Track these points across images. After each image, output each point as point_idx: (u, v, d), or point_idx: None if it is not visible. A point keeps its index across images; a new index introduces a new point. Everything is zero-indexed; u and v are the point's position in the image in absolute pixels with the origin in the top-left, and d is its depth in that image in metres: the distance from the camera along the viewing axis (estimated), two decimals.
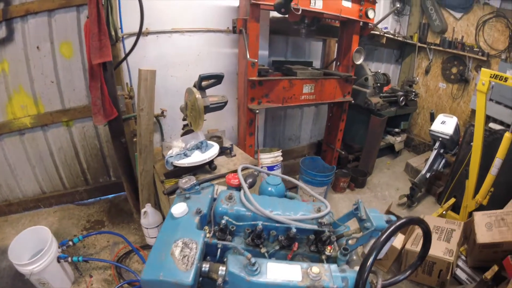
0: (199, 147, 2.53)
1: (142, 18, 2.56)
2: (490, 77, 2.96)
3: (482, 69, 3.07)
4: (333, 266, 1.25)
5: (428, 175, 4.31)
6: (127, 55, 2.84)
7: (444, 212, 4.01)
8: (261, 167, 3.67)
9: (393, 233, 1.20)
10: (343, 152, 4.56)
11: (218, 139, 2.90)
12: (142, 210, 2.81)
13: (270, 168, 3.78)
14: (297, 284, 1.13)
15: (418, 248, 2.92)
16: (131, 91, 3.12)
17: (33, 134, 3.16)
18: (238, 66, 3.55)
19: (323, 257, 1.39)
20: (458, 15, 5.31)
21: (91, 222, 3.38)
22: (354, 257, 1.44)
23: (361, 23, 3.70)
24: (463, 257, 3.11)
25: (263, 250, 1.35)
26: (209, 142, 2.66)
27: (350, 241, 1.43)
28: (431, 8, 5.50)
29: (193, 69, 3.46)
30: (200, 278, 1.17)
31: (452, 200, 4.14)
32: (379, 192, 4.76)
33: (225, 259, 1.20)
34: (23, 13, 2.71)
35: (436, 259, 2.81)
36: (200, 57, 3.52)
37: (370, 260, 1.15)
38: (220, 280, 1.12)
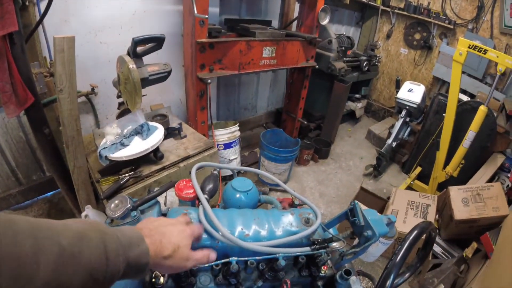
0: (139, 131, 2.01)
1: None
2: (469, 47, 2.92)
3: (460, 38, 3.01)
4: None
5: (394, 144, 4.32)
6: (40, 20, 2.13)
7: (411, 182, 4.07)
8: (217, 146, 3.24)
9: (407, 255, 0.97)
10: (305, 122, 4.30)
11: (163, 119, 2.37)
12: (83, 214, 2.29)
13: (227, 145, 3.35)
14: None
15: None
16: (52, 66, 2.45)
17: None
18: (184, 26, 2.90)
19: (319, 282, 1.05)
20: None
21: None
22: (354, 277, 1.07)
23: None
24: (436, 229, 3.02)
25: None
26: (151, 123, 2.13)
27: (346, 256, 1.07)
28: None
29: (127, 32, 2.82)
30: None
31: (418, 169, 4.22)
32: (343, 162, 4.64)
33: None
34: None
35: None
36: (136, 16, 2.87)
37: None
38: None
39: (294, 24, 3.86)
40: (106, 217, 0.90)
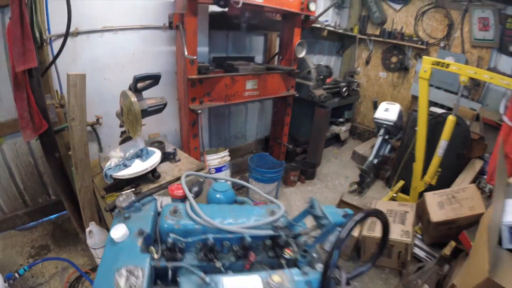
0: (139, 155, 2.34)
1: (70, 16, 2.28)
2: (432, 64, 3.12)
3: (424, 57, 3.22)
4: (295, 271, 1.21)
5: (375, 161, 4.49)
6: (54, 58, 2.53)
7: (394, 195, 4.19)
8: (209, 169, 3.55)
9: (352, 229, 1.19)
10: (290, 146, 4.58)
11: (160, 145, 2.71)
12: (87, 230, 2.58)
13: (218, 169, 3.65)
14: None
15: (374, 233, 3.04)
16: (62, 99, 2.82)
17: None
18: (177, 65, 3.37)
19: (283, 261, 1.32)
20: (397, 6, 5.64)
21: (36, 248, 3.11)
22: (314, 255, 1.38)
23: (302, 16, 3.69)
24: (419, 235, 3.24)
25: (218, 264, 1.24)
26: (149, 148, 2.47)
27: (309, 241, 1.40)
28: (370, 1, 5.76)
29: (128, 70, 3.20)
30: None
31: (401, 183, 4.36)
32: (329, 181, 4.88)
33: (178, 277, 1.12)
34: None
35: (393, 242, 2.92)
36: (136, 57, 3.28)
37: (332, 261, 1.13)
38: None
39: (277, 58, 4.22)
40: (107, 234, 1.23)
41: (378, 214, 1.37)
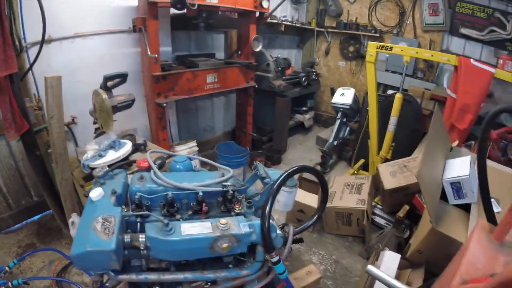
0: (113, 146, 2.62)
1: (45, 25, 2.55)
2: (377, 48, 3.39)
3: (369, 42, 3.52)
4: (240, 217, 1.51)
5: (335, 142, 4.80)
6: (32, 64, 2.78)
7: (355, 172, 4.47)
8: None
9: (285, 180, 1.50)
10: (255, 135, 4.91)
11: (131, 137, 2.97)
12: (69, 221, 2.69)
13: None
14: (208, 235, 1.34)
15: (332, 204, 3.28)
16: (39, 102, 3.06)
17: None
18: (142, 64, 3.65)
19: (233, 214, 1.60)
20: None
21: (23, 247, 3.25)
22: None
23: (257, 13, 4.00)
24: (379, 206, 3.52)
25: (177, 217, 1.53)
26: (122, 140, 2.74)
27: (256, 198, 1.72)
28: None
29: (98, 72, 3.30)
30: (126, 252, 1.33)
31: (362, 161, 4.63)
32: (294, 165, 5.13)
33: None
34: None
35: (351, 210, 3.19)
36: (105, 59, 3.54)
37: (268, 204, 1.42)
38: (142, 246, 1.30)
39: (237, 53, 4.54)
40: None
41: (310, 169, 1.69)
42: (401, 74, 5.01)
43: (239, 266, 1.52)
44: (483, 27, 4.59)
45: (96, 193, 1.45)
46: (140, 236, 1.32)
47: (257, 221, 1.48)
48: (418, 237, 2.39)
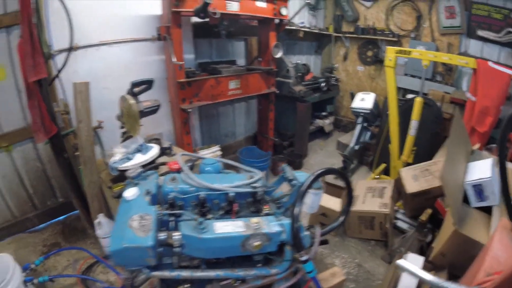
0: (140, 149, 2.68)
1: (72, 34, 2.67)
2: (396, 53, 3.39)
3: (388, 47, 3.51)
4: (270, 217, 1.56)
5: (356, 147, 4.74)
6: (60, 70, 2.93)
7: (377, 176, 4.39)
8: None
9: (313, 181, 1.54)
10: (276, 140, 4.92)
11: (157, 141, 3.06)
12: (96, 221, 2.86)
13: None
14: (241, 233, 1.39)
15: (355, 208, 3.26)
16: (67, 106, 3.17)
17: None
18: (167, 71, 3.75)
19: (263, 214, 1.66)
20: (368, 4, 5.97)
21: (48, 246, 3.32)
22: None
23: (276, 21, 4.06)
24: (401, 211, 3.48)
25: (209, 216, 1.59)
26: (148, 144, 2.81)
27: (283, 199, 1.77)
28: (343, 0, 6.06)
29: (123, 79, 3.40)
30: (161, 249, 1.38)
31: (383, 165, 4.50)
32: (316, 170, 5.12)
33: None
34: None
35: (374, 213, 3.20)
36: (130, 66, 3.65)
37: (298, 204, 1.47)
38: (177, 244, 1.35)
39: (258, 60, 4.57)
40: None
41: (337, 172, 1.73)
42: (420, 78, 5.00)
43: (268, 265, 1.55)
44: (500, 29, 4.52)
45: (131, 192, 1.51)
46: (175, 234, 1.36)
47: (286, 221, 1.52)
48: (441, 240, 2.37)
